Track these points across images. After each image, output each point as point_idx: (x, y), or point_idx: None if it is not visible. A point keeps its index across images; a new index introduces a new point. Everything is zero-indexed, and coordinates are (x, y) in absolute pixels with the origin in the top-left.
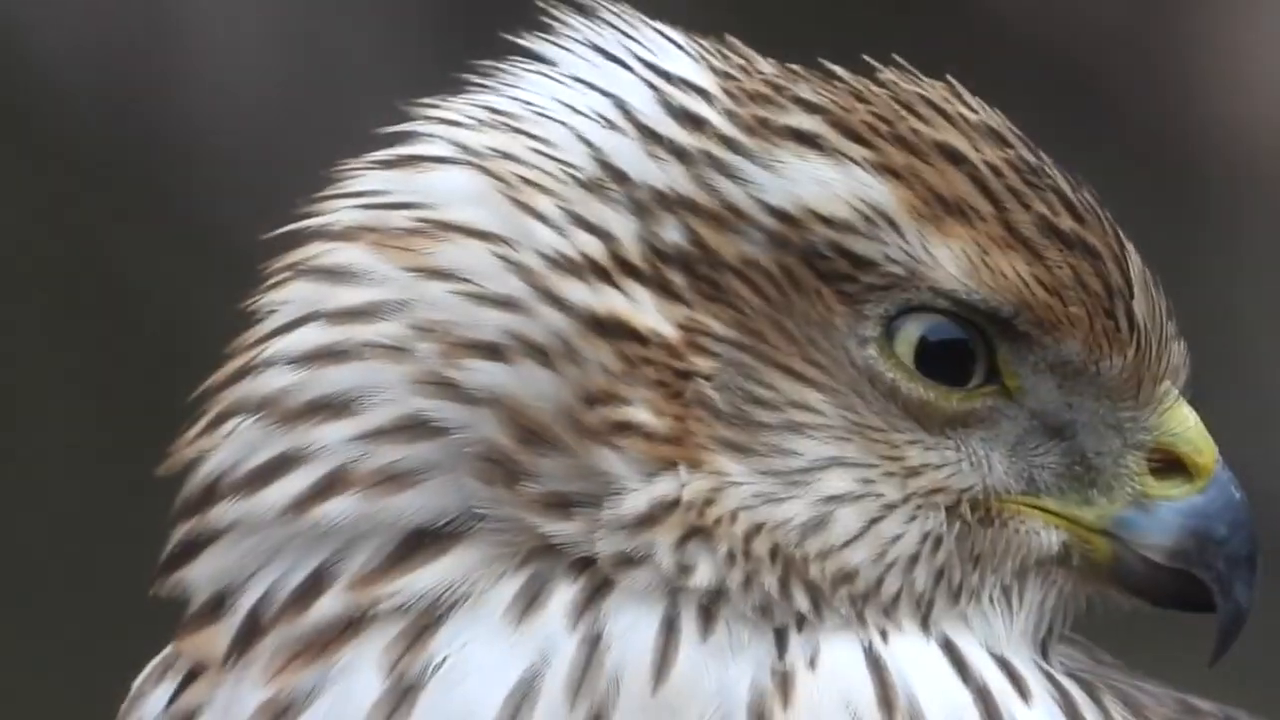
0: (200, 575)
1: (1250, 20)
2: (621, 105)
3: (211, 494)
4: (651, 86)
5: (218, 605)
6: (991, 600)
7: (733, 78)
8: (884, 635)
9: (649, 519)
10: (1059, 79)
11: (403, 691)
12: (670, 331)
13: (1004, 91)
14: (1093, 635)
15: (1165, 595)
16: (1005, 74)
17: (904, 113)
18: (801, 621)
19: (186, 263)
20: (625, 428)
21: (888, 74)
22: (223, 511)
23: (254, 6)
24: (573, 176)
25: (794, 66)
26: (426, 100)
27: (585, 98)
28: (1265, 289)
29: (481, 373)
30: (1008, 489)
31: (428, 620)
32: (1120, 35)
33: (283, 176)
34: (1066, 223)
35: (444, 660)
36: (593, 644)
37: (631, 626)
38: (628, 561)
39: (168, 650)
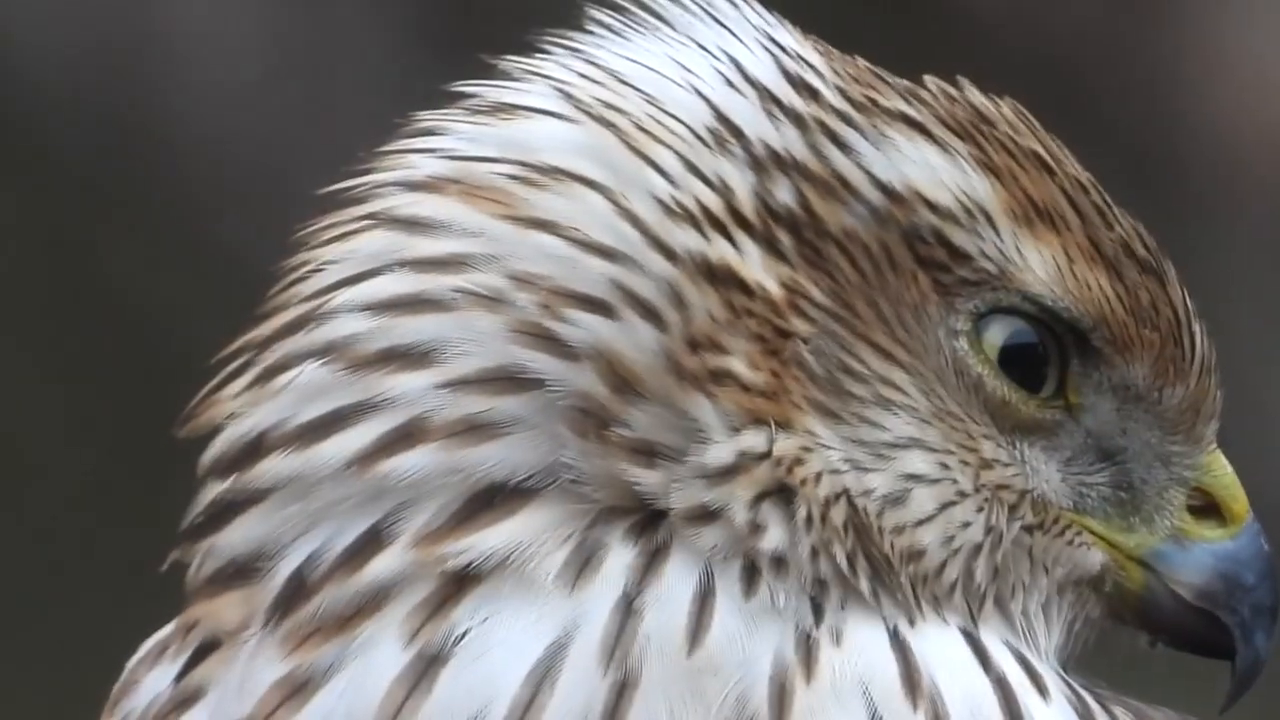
0: (236, 539)
1: (1237, 20)
2: (739, 67)
3: (256, 450)
4: (769, 52)
5: (245, 569)
6: (1034, 609)
7: (835, 59)
8: (911, 621)
9: (732, 470)
10: (1042, 80)
11: (425, 664)
12: (775, 288)
13: (984, 88)
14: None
15: (1187, 635)
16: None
17: (996, 117)
18: (845, 600)
19: (178, 269)
20: (723, 376)
21: (947, 85)
22: (269, 467)
23: (248, 11)
24: (689, 129)
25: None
26: (519, 60)
27: (702, 57)
28: (1254, 290)
29: (584, 325)
30: (1060, 502)
31: (452, 591)
32: (1105, 36)
33: (277, 183)
34: (1142, 248)
35: (467, 632)
36: (627, 611)
37: (670, 592)
38: (699, 517)
39: (165, 630)
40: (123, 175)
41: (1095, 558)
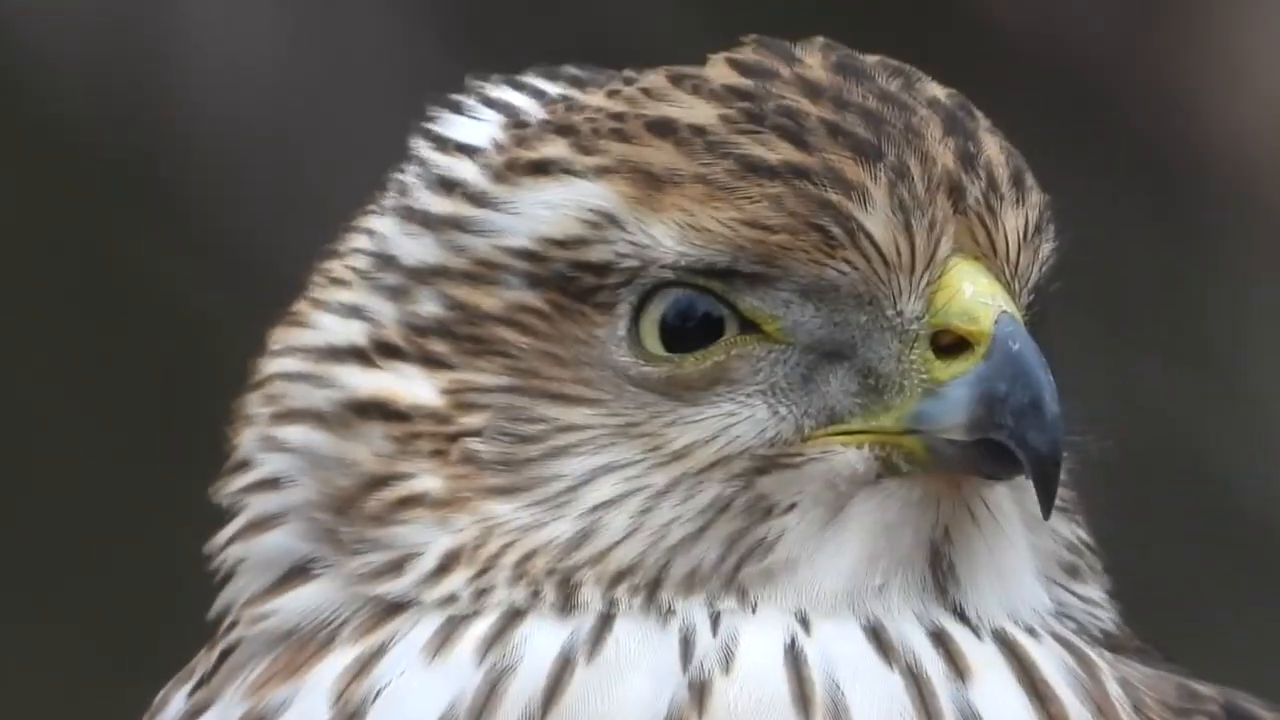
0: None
1: (1258, 28)
2: (399, 188)
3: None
4: (421, 163)
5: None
6: (814, 536)
7: (523, 124)
8: (806, 626)
9: (443, 569)
10: (1061, 88)
11: (347, 717)
12: (435, 400)
13: (1003, 100)
14: None
15: (984, 467)
16: (1007, 84)
17: (638, 100)
18: (715, 620)
19: (189, 260)
20: (409, 501)
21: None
22: (229, 547)
23: (261, 4)
24: (356, 270)
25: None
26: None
27: (389, 190)
28: (1273, 299)
29: (294, 433)
30: (801, 429)
31: (375, 650)
32: (1124, 44)
33: (290, 170)
34: (773, 154)
35: (384, 688)
36: (498, 674)
37: (533, 653)
38: (452, 599)
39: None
40: (135, 162)
41: (850, 456)
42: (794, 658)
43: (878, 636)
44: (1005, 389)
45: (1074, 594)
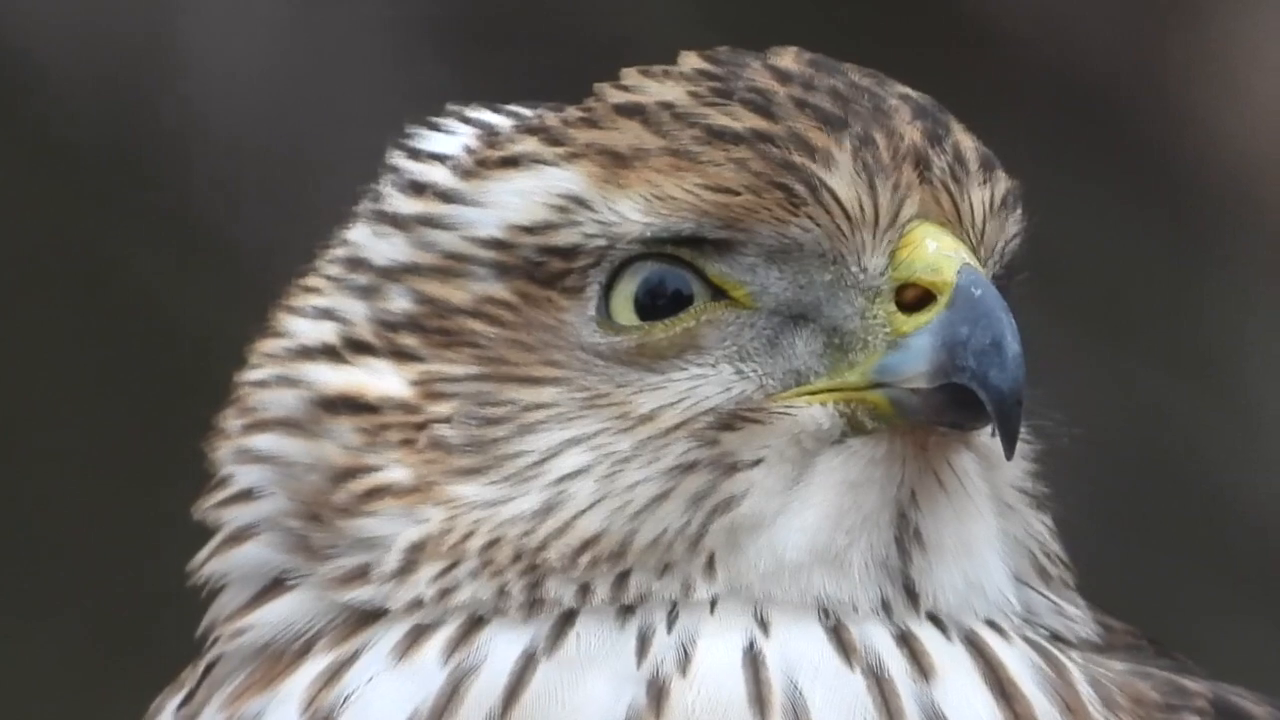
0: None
1: (1261, 34)
2: (373, 196)
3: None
4: (394, 170)
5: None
6: (779, 493)
7: (495, 134)
8: (765, 627)
9: (409, 565)
10: (1064, 92)
11: None
12: (405, 391)
13: (1006, 108)
14: None
15: (948, 415)
16: (1010, 88)
17: (608, 92)
18: (672, 620)
19: (181, 266)
20: (376, 492)
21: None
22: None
23: (261, 7)
24: (328, 277)
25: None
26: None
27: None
28: (1269, 307)
29: (265, 441)
30: (767, 390)
31: (346, 658)
32: (1127, 48)
33: (288, 174)
34: (739, 123)
35: (352, 694)
36: (460, 676)
37: (495, 655)
38: (418, 604)
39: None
40: (129, 169)
41: (814, 413)
42: (752, 659)
43: (839, 636)
44: (967, 332)
45: (1045, 598)
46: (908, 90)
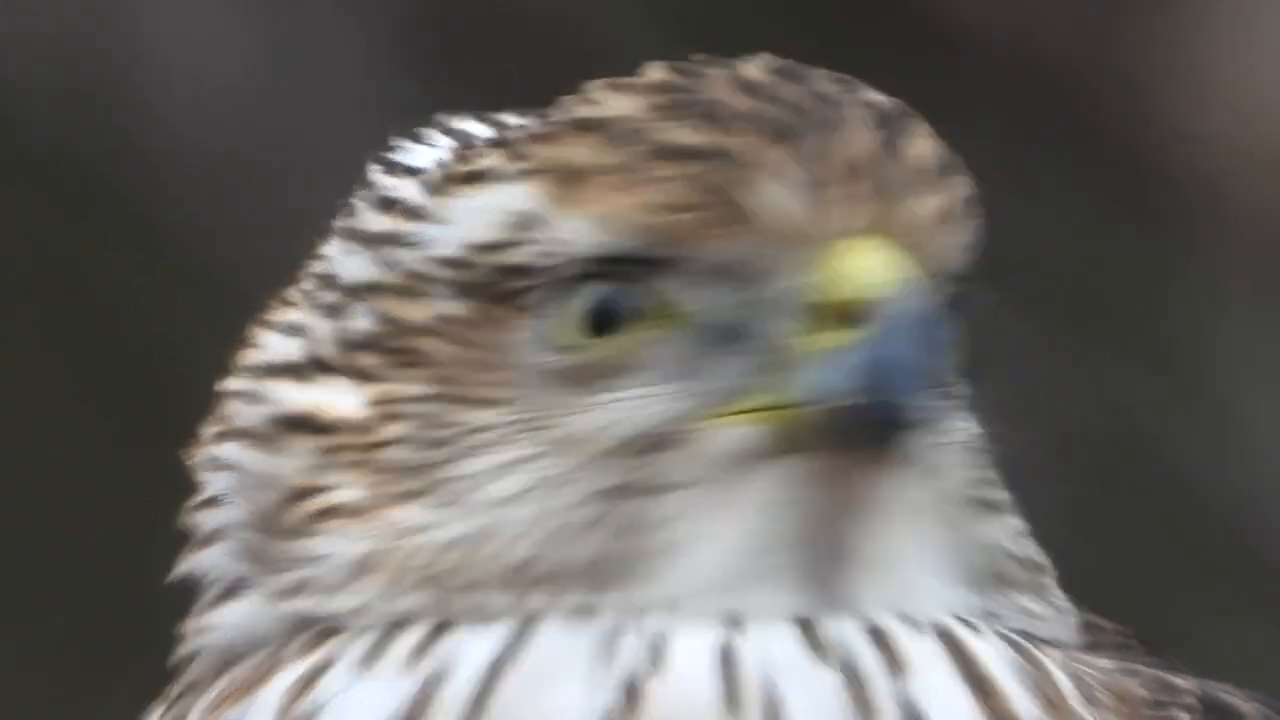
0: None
1: (1231, 33)
2: (350, 211)
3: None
4: (370, 185)
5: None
6: (706, 515)
7: (471, 147)
8: (738, 625)
9: (354, 581)
10: (1033, 89)
11: None
12: (361, 412)
13: (973, 103)
14: None
15: (870, 432)
16: (978, 86)
17: (570, 105)
18: (641, 621)
19: (151, 275)
20: (326, 513)
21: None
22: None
23: (231, 22)
24: (304, 291)
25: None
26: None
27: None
28: (1244, 305)
29: (230, 450)
30: (700, 409)
31: (318, 667)
32: (1096, 46)
33: (258, 188)
34: (690, 138)
35: (325, 704)
36: (429, 682)
37: (463, 660)
38: (368, 611)
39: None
40: (98, 178)
41: (736, 434)
42: (726, 657)
43: (810, 634)
44: (889, 352)
45: (1008, 601)
46: (873, 97)
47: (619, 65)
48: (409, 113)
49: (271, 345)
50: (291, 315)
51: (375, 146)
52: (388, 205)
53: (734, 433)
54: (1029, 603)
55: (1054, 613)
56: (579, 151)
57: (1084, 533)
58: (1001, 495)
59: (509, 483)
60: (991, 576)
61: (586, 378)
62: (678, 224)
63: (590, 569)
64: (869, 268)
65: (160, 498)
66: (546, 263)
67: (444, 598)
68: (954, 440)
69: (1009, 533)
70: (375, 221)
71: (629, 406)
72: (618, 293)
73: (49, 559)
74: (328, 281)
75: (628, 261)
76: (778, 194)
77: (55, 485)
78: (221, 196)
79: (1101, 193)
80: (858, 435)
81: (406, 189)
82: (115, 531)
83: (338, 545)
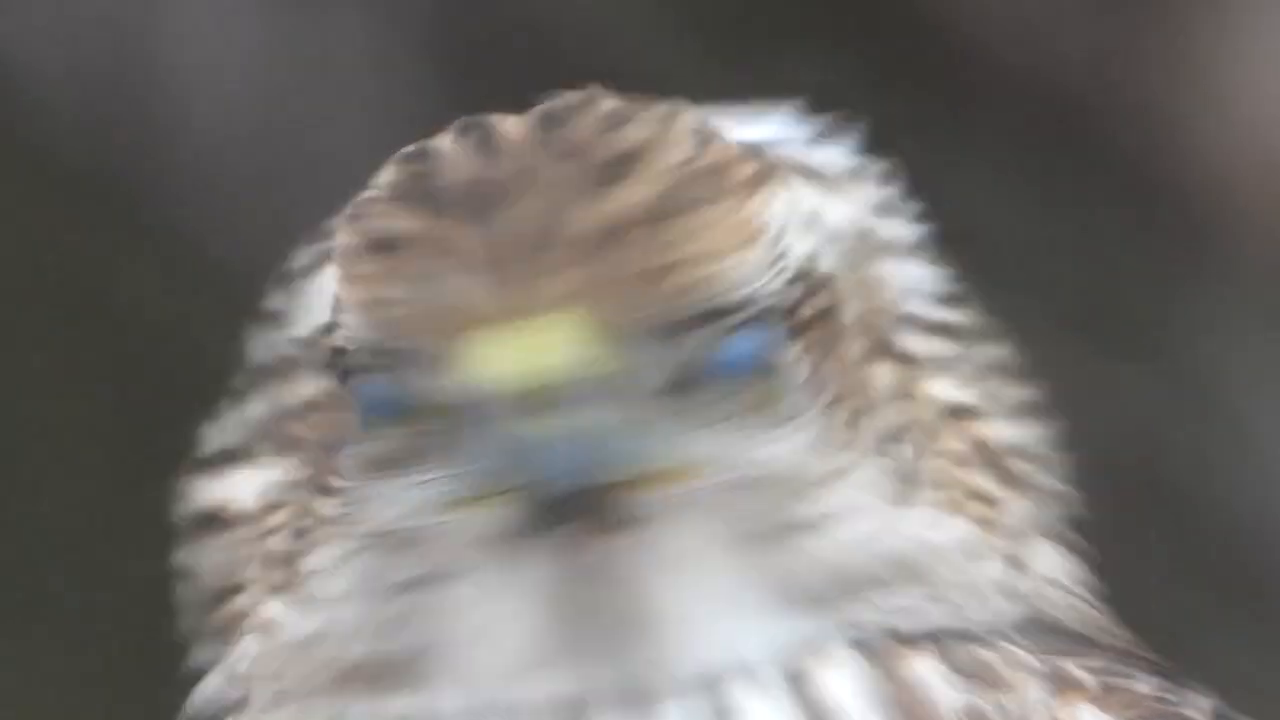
0: None
1: (1239, 50)
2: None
3: None
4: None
5: None
6: (482, 602)
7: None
8: (540, 716)
9: (239, 679)
10: (1040, 105)
11: None
12: (252, 504)
13: (981, 116)
14: None
15: (570, 506)
16: (984, 100)
17: (378, 188)
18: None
19: (161, 276)
20: (240, 615)
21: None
22: None
23: (250, 25)
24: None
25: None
26: None
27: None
28: (1250, 324)
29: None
30: (457, 500)
31: None
32: (1101, 62)
33: (273, 191)
34: (404, 225)
35: None
36: None
37: None
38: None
39: None
40: (111, 178)
41: (483, 521)
42: None
43: (632, 708)
44: (560, 433)
45: (878, 604)
46: (622, 143)
47: (640, 71)
48: (432, 122)
49: (207, 439)
50: (226, 402)
51: (387, 154)
52: (285, 280)
53: (481, 519)
54: (908, 599)
55: (962, 597)
56: (355, 234)
57: (1095, 547)
58: (850, 497)
59: (340, 579)
60: (836, 587)
61: (384, 468)
62: (392, 317)
63: (386, 669)
64: (549, 353)
65: (170, 504)
66: (348, 347)
67: (299, 706)
68: (728, 473)
69: (859, 536)
70: (275, 299)
71: (410, 496)
72: (388, 382)
73: (62, 571)
74: (244, 369)
75: (383, 353)
76: (461, 279)
77: (77, 494)
78: (243, 205)
79: (1114, 207)
80: (564, 511)
81: (300, 260)
82: (138, 544)
83: (246, 644)
